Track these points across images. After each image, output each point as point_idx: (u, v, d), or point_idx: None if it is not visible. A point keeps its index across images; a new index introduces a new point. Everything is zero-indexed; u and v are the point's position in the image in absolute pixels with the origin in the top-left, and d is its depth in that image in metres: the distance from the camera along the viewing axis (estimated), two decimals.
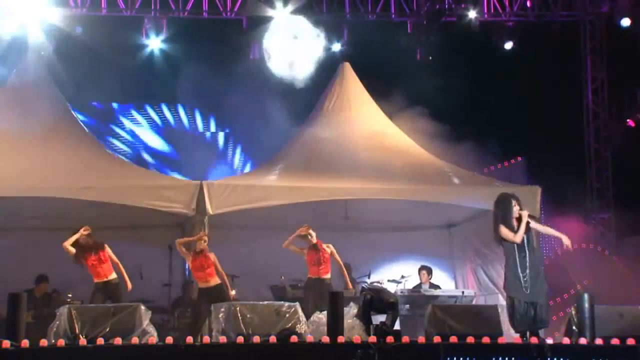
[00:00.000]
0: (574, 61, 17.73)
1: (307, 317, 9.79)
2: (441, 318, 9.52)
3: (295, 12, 15.74)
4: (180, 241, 11.17)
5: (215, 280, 11.03)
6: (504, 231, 9.61)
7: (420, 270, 13.09)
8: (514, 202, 9.67)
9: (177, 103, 18.06)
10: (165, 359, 8.75)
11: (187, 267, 13.48)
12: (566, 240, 9.68)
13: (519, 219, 9.63)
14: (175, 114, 18.22)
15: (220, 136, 18.29)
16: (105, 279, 10.93)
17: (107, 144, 15.90)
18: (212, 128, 18.28)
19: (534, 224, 9.81)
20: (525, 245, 9.61)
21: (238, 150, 18.16)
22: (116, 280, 11.00)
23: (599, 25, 17.72)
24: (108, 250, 11.00)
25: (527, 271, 9.55)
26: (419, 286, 12.79)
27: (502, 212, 9.69)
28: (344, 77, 13.83)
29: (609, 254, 15.96)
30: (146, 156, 17.71)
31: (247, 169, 17.40)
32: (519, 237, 9.58)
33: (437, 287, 12.84)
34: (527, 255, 9.61)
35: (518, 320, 9.57)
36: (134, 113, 18.03)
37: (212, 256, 11.07)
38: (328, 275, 11.70)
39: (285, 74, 14.96)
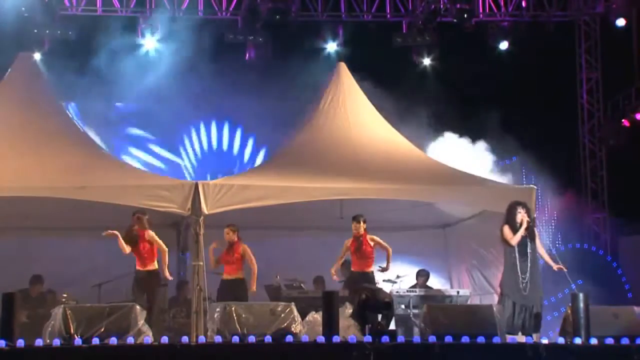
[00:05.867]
0: (569, 61, 17.74)
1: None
2: (436, 318, 9.54)
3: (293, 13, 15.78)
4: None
5: (237, 275, 11.36)
6: (505, 231, 10.08)
7: (418, 275, 13.13)
8: (519, 209, 10.12)
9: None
10: (161, 359, 8.75)
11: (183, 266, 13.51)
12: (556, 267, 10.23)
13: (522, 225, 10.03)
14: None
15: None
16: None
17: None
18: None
19: (539, 242, 10.22)
20: (528, 250, 10.00)
21: (237, 149, 18.10)
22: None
23: (593, 25, 17.75)
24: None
25: (527, 275, 9.92)
26: (414, 286, 12.83)
27: (507, 215, 10.17)
28: (340, 77, 13.76)
29: (603, 254, 16.01)
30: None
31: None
32: (515, 240, 10.02)
33: (430, 288, 12.90)
34: (528, 260, 9.98)
35: (510, 324, 9.73)
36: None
37: (241, 249, 11.34)
38: (371, 269, 11.73)
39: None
